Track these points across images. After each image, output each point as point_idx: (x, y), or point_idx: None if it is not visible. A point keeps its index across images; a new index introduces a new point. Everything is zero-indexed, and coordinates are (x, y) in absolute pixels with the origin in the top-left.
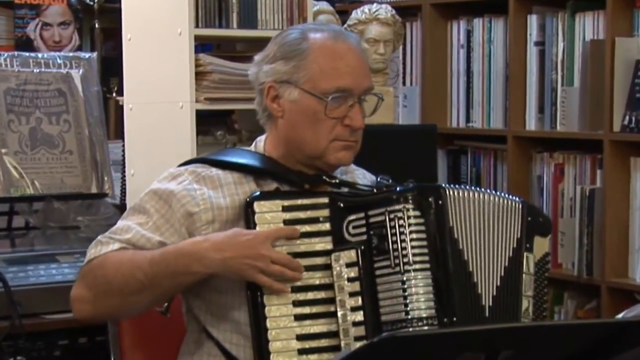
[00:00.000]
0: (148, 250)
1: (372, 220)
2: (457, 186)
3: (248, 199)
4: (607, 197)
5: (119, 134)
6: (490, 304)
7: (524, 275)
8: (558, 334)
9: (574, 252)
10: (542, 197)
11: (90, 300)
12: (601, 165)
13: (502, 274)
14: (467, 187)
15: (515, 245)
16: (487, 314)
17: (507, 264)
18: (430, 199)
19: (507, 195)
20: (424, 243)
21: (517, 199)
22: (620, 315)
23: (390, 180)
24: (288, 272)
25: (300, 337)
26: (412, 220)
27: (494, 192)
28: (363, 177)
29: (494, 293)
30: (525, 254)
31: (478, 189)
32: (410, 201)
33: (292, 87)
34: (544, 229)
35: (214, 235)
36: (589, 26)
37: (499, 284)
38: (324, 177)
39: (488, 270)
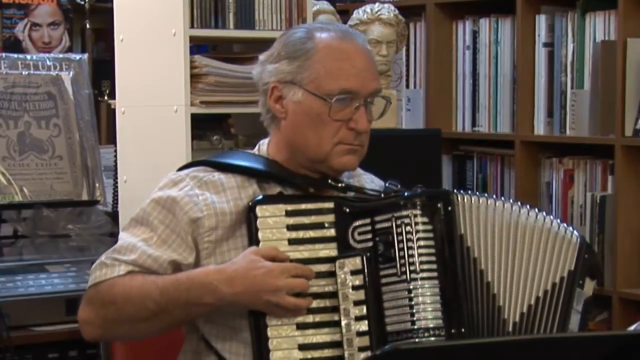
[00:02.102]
0: (158, 276)
1: (378, 226)
2: (476, 193)
3: (250, 203)
4: (619, 204)
5: (111, 139)
6: (516, 319)
7: (573, 311)
8: (567, 347)
9: None
10: (551, 204)
11: (99, 324)
12: (612, 171)
13: (540, 294)
14: (501, 198)
15: (565, 275)
16: (510, 329)
17: (548, 287)
18: (439, 205)
19: (560, 221)
20: (432, 250)
21: (575, 231)
22: (632, 327)
23: (399, 186)
24: (303, 305)
25: (303, 347)
26: (419, 227)
27: (540, 211)
28: (371, 182)
29: (523, 310)
30: (577, 289)
31: (511, 200)
32: (418, 207)
33: (296, 87)
34: (595, 271)
35: (228, 265)
36: (600, 26)
37: (532, 302)
38: (330, 181)
39: (517, 286)
